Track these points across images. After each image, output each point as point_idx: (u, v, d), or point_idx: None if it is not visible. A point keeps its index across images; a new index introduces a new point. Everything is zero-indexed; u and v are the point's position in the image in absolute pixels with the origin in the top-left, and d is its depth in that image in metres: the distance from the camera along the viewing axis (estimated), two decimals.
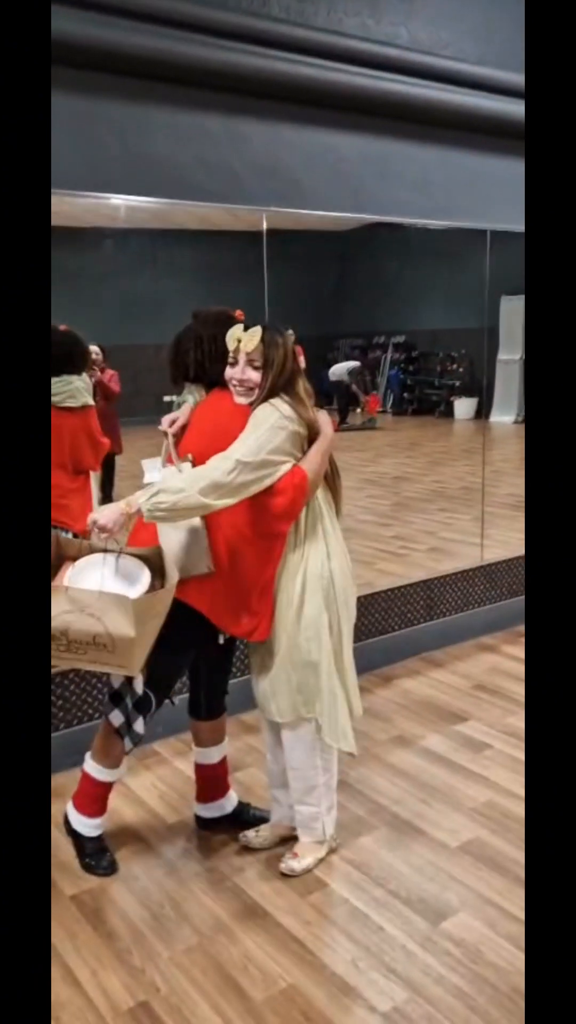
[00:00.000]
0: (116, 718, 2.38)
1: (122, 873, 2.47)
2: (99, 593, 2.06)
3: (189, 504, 2.07)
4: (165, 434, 2.33)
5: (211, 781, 2.63)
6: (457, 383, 10.83)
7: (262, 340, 2.21)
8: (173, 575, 2.15)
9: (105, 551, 2.22)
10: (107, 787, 2.48)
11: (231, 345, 2.25)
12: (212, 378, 2.35)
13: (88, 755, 2.46)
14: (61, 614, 2.04)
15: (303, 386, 2.29)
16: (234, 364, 2.25)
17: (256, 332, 2.22)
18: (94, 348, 4.01)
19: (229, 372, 2.26)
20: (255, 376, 2.23)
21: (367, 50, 3.19)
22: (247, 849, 2.56)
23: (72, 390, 3.22)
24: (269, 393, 2.22)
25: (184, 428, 2.36)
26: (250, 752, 3.08)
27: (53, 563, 2.21)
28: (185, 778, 2.92)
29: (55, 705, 2.98)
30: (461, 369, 10.80)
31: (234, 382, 2.25)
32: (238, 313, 2.39)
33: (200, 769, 2.63)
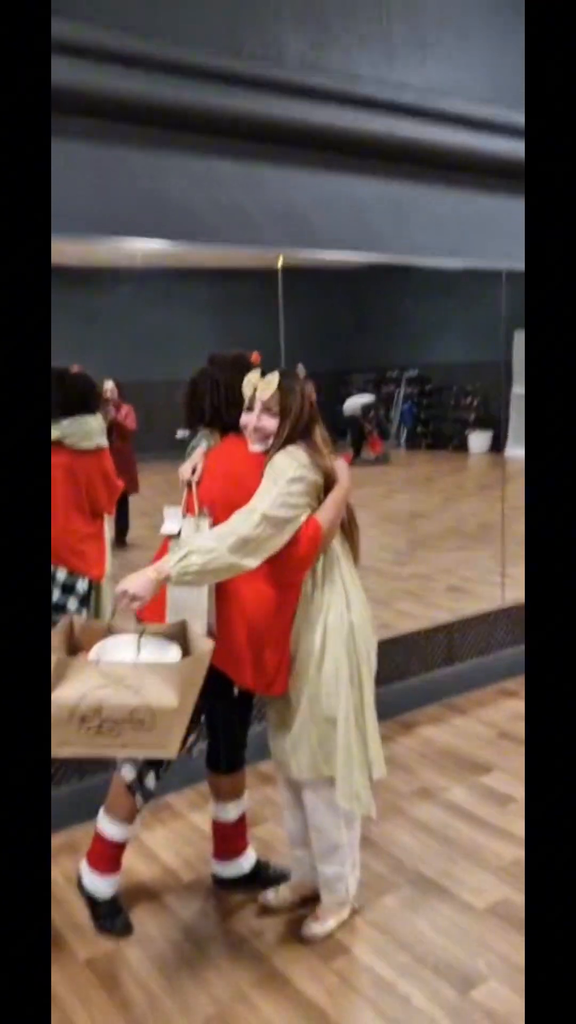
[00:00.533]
0: (128, 773, 2.32)
1: (138, 934, 2.39)
2: (134, 664, 1.96)
3: (219, 565, 2.00)
4: (188, 484, 2.28)
5: (229, 839, 2.55)
6: (472, 416, 10.82)
7: (279, 387, 2.18)
8: (205, 643, 2.05)
9: (127, 631, 2.13)
10: (120, 845, 2.40)
11: (247, 392, 2.21)
12: (227, 423, 2.31)
13: (101, 810, 2.39)
14: (93, 690, 1.89)
15: (320, 433, 2.25)
16: (250, 410, 2.21)
17: (273, 379, 2.18)
18: (108, 384, 3.98)
19: (245, 419, 2.22)
20: (271, 424, 2.19)
21: (381, 95, 3.20)
22: (266, 910, 2.47)
23: (87, 431, 3.18)
24: (286, 441, 2.18)
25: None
26: (268, 804, 2.99)
27: (68, 651, 2.09)
28: (201, 833, 2.84)
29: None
30: (475, 403, 10.78)
31: (250, 429, 2.21)
32: (254, 357, 2.36)
33: (218, 826, 2.55)
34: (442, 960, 2.24)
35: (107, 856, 2.40)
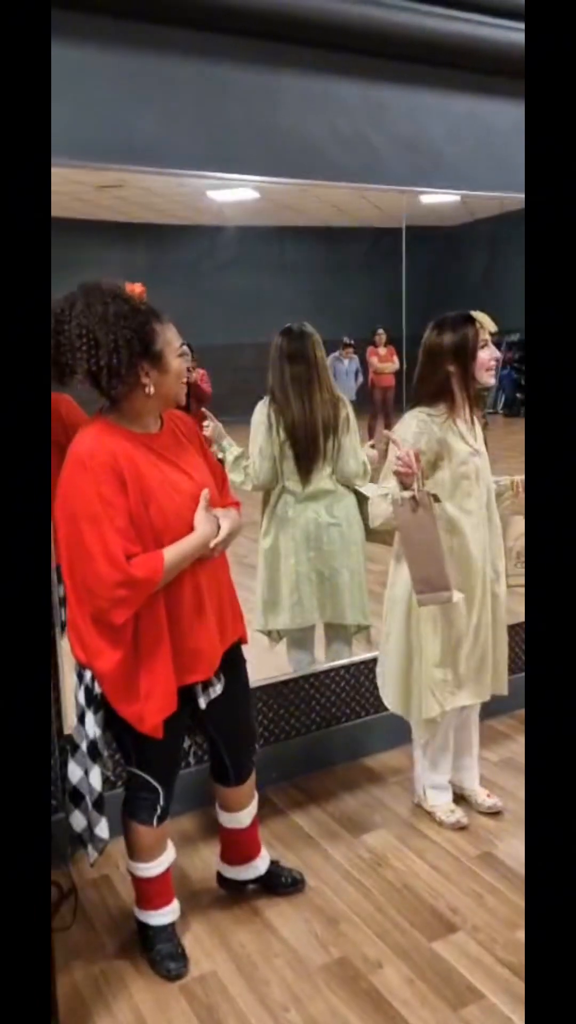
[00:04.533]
0: (77, 822, 2.01)
1: (240, 958, 2.13)
2: None
3: None
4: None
5: (244, 844, 2.29)
6: None
7: None
8: None
9: None
10: (156, 880, 2.11)
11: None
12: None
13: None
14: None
15: None
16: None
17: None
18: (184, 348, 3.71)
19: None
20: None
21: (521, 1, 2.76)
22: (381, 935, 2.18)
23: None
24: None
25: None
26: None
27: None
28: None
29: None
30: None
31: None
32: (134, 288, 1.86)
33: (229, 833, 2.28)
34: None
35: (149, 894, 2.13)
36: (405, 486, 2.26)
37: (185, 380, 1.92)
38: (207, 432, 2.74)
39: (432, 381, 2.41)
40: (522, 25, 2.70)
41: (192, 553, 1.85)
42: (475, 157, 2.93)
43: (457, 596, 2.31)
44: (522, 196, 3.08)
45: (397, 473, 2.27)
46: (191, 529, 1.86)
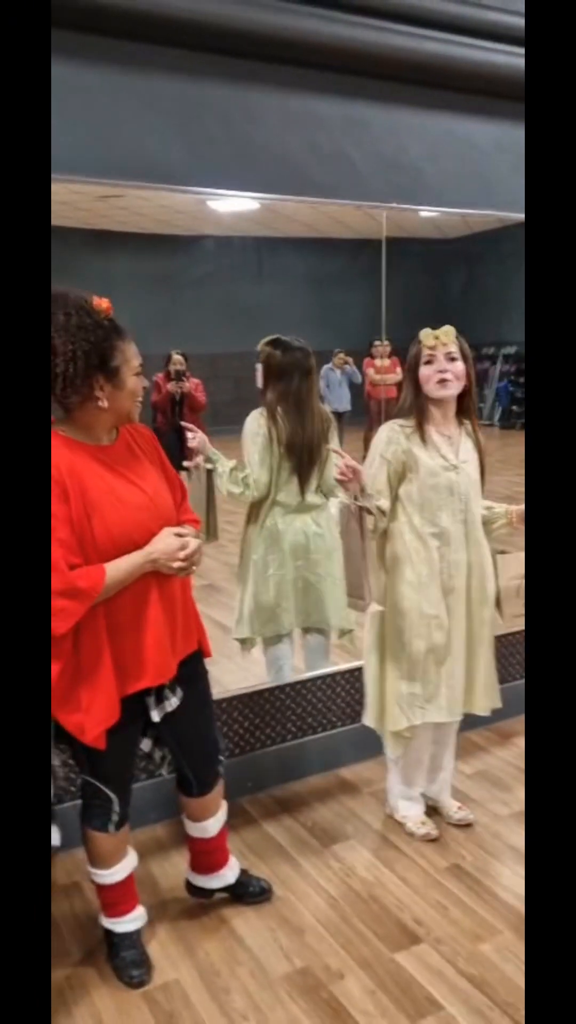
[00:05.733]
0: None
1: (204, 967, 2.14)
2: None
3: None
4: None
5: (211, 853, 2.31)
6: None
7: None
8: None
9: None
10: (117, 887, 2.13)
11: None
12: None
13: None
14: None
15: None
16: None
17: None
18: (177, 357, 3.73)
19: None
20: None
21: (503, 22, 2.79)
22: (344, 945, 2.19)
23: None
24: None
25: None
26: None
27: None
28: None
29: None
30: None
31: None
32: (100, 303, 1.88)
33: (196, 843, 2.29)
34: None
35: (111, 900, 2.15)
36: (351, 493, 2.31)
37: (140, 399, 1.94)
38: (192, 444, 2.77)
39: (405, 395, 2.47)
40: (499, 46, 2.74)
41: (135, 570, 1.85)
42: (455, 175, 2.96)
43: (374, 608, 2.35)
44: (500, 213, 3.13)
45: (338, 480, 2.31)
46: (136, 542, 1.86)
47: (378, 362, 8.14)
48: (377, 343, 8.29)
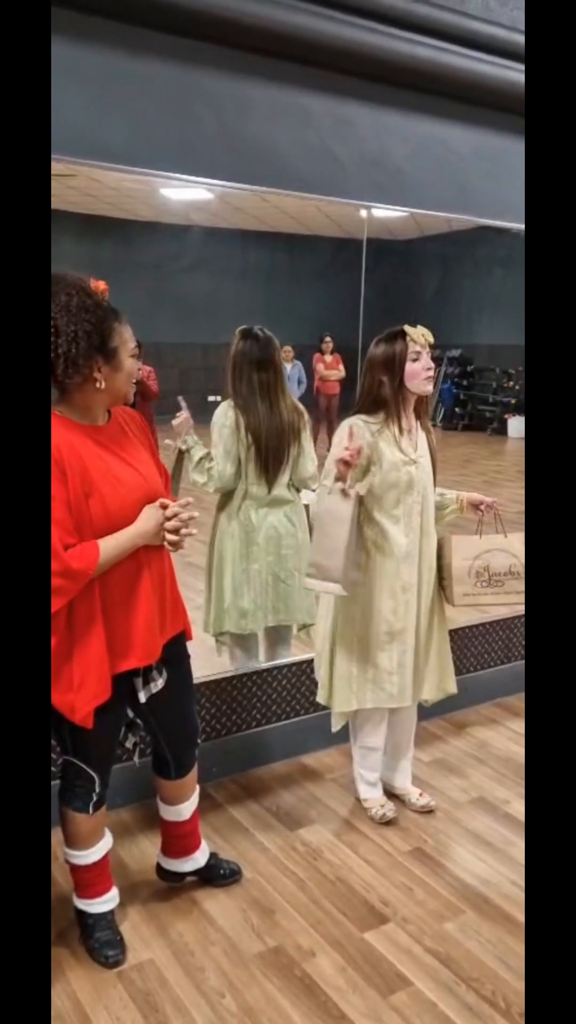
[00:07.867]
0: None
1: (177, 947, 2.17)
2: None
3: None
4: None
5: (184, 837, 2.34)
6: (513, 400, 10.46)
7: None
8: None
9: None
10: (93, 868, 2.14)
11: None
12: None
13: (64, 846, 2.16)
14: (482, 554, 2.63)
15: None
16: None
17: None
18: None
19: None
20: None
21: (489, 34, 2.87)
22: (315, 925, 2.25)
23: None
24: None
25: None
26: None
27: None
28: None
29: None
30: (518, 387, 10.43)
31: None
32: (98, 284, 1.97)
33: (169, 826, 2.33)
34: (514, 1004, 2.01)
35: (86, 882, 2.16)
36: (341, 478, 2.34)
37: (135, 380, 1.96)
38: (175, 422, 2.79)
39: (369, 391, 2.51)
40: (488, 57, 2.82)
41: (129, 545, 1.87)
42: (434, 178, 3.03)
43: (343, 592, 2.40)
44: (473, 218, 3.22)
45: (340, 460, 2.31)
46: (132, 520, 1.89)
47: (327, 358, 8.22)
48: (328, 339, 8.34)
